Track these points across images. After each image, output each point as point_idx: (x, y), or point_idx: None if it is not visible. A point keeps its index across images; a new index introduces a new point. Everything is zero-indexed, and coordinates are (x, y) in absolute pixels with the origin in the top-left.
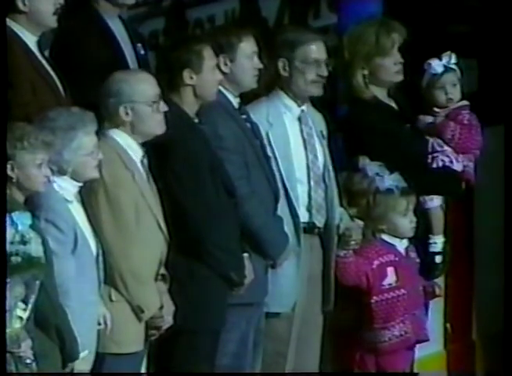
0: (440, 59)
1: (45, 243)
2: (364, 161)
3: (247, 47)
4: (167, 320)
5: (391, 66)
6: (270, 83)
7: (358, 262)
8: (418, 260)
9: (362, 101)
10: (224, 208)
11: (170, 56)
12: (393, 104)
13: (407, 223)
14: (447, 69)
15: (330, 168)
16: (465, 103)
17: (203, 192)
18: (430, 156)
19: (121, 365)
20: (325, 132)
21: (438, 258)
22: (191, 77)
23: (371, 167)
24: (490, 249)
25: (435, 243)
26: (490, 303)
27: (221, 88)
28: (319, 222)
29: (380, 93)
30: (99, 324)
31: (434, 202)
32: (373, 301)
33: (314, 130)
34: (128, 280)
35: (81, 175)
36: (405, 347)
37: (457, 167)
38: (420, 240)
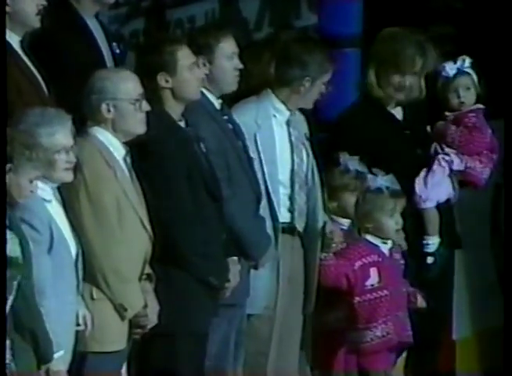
0: (454, 62)
1: (22, 243)
2: (344, 157)
3: (226, 48)
4: (152, 319)
5: (395, 83)
6: (259, 84)
7: (338, 263)
8: (403, 262)
9: (366, 102)
10: (203, 212)
11: (143, 61)
12: (396, 111)
13: (392, 224)
14: (460, 72)
15: (315, 169)
16: (479, 106)
17: (178, 195)
18: (432, 158)
19: (103, 364)
20: (308, 134)
21: (430, 259)
22: (166, 81)
23: (352, 162)
24: (475, 248)
25: (428, 244)
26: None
27: (202, 89)
28: (300, 225)
29: (387, 99)
30: (79, 325)
31: (427, 203)
32: (355, 301)
33: (301, 133)
34: (110, 279)
35: (51, 176)
36: (386, 348)
37: (458, 166)
38: (415, 240)
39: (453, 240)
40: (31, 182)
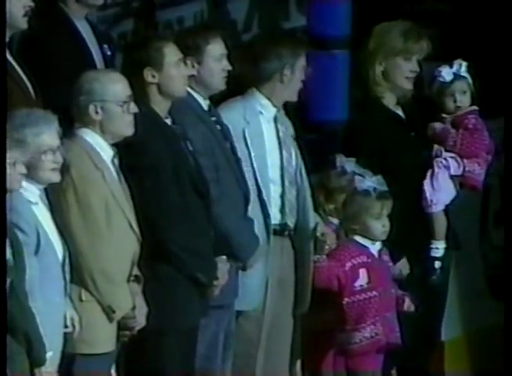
0: (450, 67)
1: (13, 245)
2: (341, 159)
3: (215, 49)
4: (140, 321)
5: (406, 72)
6: (244, 82)
7: (330, 265)
8: (391, 264)
9: (369, 102)
10: (191, 209)
11: (130, 56)
12: (400, 112)
13: (379, 227)
14: (457, 76)
15: (303, 170)
16: (474, 108)
17: (165, 192)
18: (432, 161)
19: (92, 365)
20: (294, 135)
21: (438, 264)
22: (153, 76)
23: (349, 164)
24: (463, 249)
25: (437, 248)
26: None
27: (189, 89)
28: (291, 222)
29: (390, 98)
30: (67, 327)
31: (437, 207)
32: (344, 302)
33: (288, 130)
34: (98, 280)
35: (38, 176)
36: (375, 349)
37: (455, 171)
38: (421, 244)
39: (454, 241)
40: (14, 166)
